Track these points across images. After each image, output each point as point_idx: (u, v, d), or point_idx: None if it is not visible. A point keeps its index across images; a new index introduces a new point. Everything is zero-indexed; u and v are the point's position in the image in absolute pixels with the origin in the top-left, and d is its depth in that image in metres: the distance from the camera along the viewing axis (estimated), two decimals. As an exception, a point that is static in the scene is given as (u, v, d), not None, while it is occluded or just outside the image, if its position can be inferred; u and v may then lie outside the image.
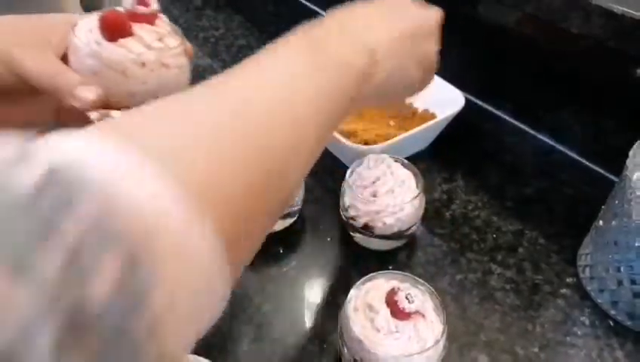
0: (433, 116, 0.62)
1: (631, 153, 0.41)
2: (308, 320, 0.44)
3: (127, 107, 0.34)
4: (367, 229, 0.47)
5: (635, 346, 0.42)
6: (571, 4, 0.48)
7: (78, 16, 0.36)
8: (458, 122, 0.59)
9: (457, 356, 0.41)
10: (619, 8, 0.45)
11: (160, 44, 0.34)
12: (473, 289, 0.46)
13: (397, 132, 0.57)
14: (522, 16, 0.59)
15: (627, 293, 0.42)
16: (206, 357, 0.38)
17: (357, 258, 0.49)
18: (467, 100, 0.59)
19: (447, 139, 0.61)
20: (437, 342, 0.35)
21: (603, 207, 0.45)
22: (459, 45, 0.69)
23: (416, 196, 0.45)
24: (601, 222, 0.44)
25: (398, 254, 0.49)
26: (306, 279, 0.47)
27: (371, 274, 0.39)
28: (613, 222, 0.42)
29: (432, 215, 0.53)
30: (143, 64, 0.33)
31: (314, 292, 0.46)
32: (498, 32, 0.63)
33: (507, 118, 0.67)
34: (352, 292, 0.38)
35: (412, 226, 0.47)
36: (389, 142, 0.53)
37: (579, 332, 0.43)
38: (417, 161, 0.52)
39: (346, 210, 0.48)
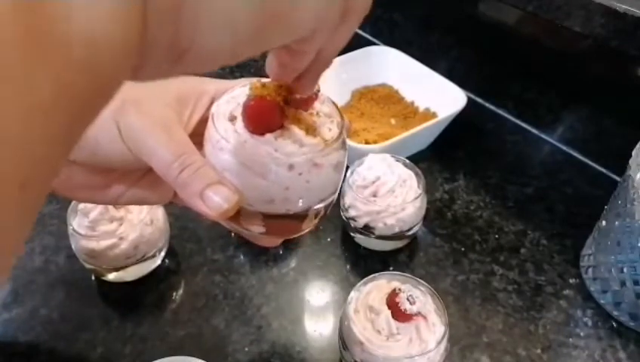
0: (434, 115, 0.62)
1: (634, 153, 0.41)
2: (308, 322, 0.44)
3: (261, 213, 0.27)
4: (367, 230, 0.46)
5: (637, 347, 0.42)
6: (573, 3, 0.47)
7: (216, 84, 0.30)
8: (459, 121, 0.58)
9: (459, 358, 0.41)
10: (621, 7, 0.44)
11: (314, 139, 0.25)
12: (475, 291, 0.46)
13: (398, 131, 0.57)
14: (524, 15, 0.58)
15: (630, 294, 0.42)
16: (205, 359, 0.38)
17: (357, 259, 0.49)
18: (469, 99, 0.58)
19: (449, 138, 0.60)
20: (438, 343, 0.34)
21: (606, 207, 0.44)
22: (460, 44, 0.69)
23: (418, 196, 0.45)
24: (603, 223, 0.44)
25: (399, 255, 0.49)
26: (306, 280, 0.47)
27: (372, 276, 0.38)
28: (616, 223, 0.41)
29: (433, 215, 0.53)
30: (291, 167, 0.25)
31: (314, 293, 0.46)
32: (500, 31, 0.63)
33: (509, 117, 0.66)
34: (353, 293, 0.37)
35: (413, 227, 0.47)
36: (390, 141, 0.53)
37: (581, 334, 0.43)
38: (418, 160, 0.52)
39: (347, 211, 0.47)
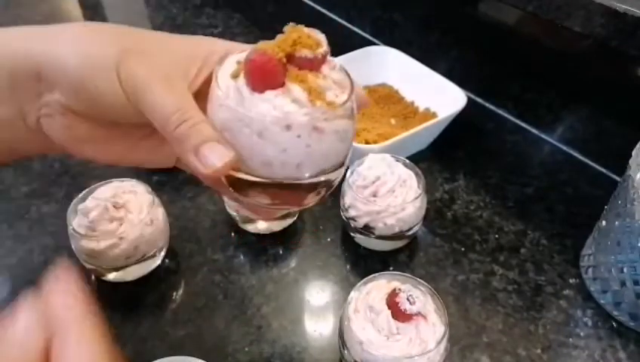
0: (434, 115, 0.62)
1: (634, 152, 0.41)
2: (308, 322, 0.44)
3: (260, 176, 0.25)
4: (367, 230, 0.46)
5: (637, 347, 0.42)
6: (573, 3, 0.47)
7: (227, 45, 0.29)
8: (459, 121, 0.58)
9: (459, 358, 0.41)
10: (621, 6, 0.44)
11: (318, 101, 0.24)
12: (475, 291, 0.46)
13: (398, 131, 0.57)
14: (524, 15, 0.58)
15: (630, 294, 0.42)
16: (205, 359, 0.38)
17: (357, 259, 0.49)
18: (468, 99, 0.58)
19: (449, 138, 0.60)
20: (438, 343, 0.34)
21: (606, 207, 0.44)
22: (460, 44, 0.69)
23: (418, 196, 0.45)
24: (603, 223, 0.44)
25: (399, 255, 0.49)
26: (306, 280, 0.47)
27: (372, 275, 0.38)
28: (616, 223, 0.41)
29: (433, 215, 0.53)
30: (289, 127, 0.24)
31: (314, 293, 0.46)
32: (500, 31, 0.63)
33: (509, 117, 0.66)
34: (353, 293, 0.37)
35: (414, 227, 0.47)
36: (390, 141, 0.53)
37: (581, 334, 0.43)
38: (418, 160, 0.52)
39: (347, 210, 0.47)
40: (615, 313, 0.44)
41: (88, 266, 0.45)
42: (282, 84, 0.24)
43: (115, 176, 0.48)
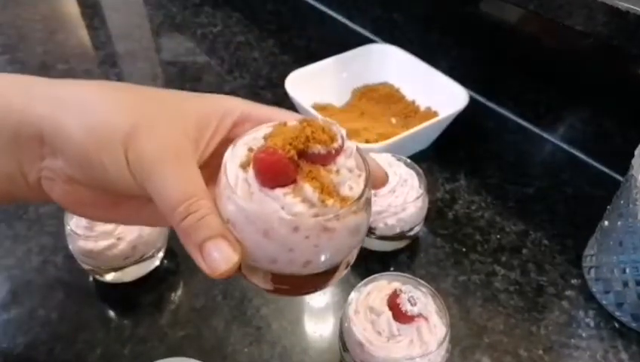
0: (435, 114, 0.61)
1: (636, 152, 0.41)
2: (308, 323, 0.43)
3: (268, 272, 0.25)
4: (368, 230, 0.46)
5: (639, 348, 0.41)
6: (575, 2, 0.47)
7: (242, 106, 0.27)
8: (460, 121, 0.58)
9: (460, 359, 0.41)
10: (623, 5, 0.44)
11: (330, 199, 0.22)
12: (477, 291, 0.46)
13: (399, 130, 0.57)
14: (525, 13, 0.58)
15: (632, 295, 0.41)
16: (204, 360, 0.37)
17: (358, 259, 0.48)
18: (470, 98, 0.58)
19: (450, 137, 0.60)
20: (440, 345, 0.34)
21: (608, 207, 0.44)
22: (461, 43, 0.68)
23: (419, 196, 0.45)
24: (606, 223, 0.44)
25: (399, 255, 0.49)
26: (307, 280, 0.47)
27: (373, 276, 0.38)
28: (619, 223, 0.41)
29: (434, 215, 0.52)
30: (296, 228, 0.22)
31: (314, 294, 0.45)
32: (501, 30, 0.62)
33: (510, 116, 0.66)
34: (353, 294, 0.37)
35: (414, 227, 0.47)
36: (391, 140, 0.53)
37: (583, 334, 0.42)
38: (419, 160, 0.51)
39: (347, 211, 0.47)
40: (617, 314, 0.43)
41: (86, 267, 0.44)
42: (293, 181, 0.22)
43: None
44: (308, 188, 0.22)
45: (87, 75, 0.76)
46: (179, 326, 0.43)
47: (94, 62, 0.80)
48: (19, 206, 0.54)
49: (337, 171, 0.23)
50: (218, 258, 0.23)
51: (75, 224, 0.43)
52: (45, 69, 0.76)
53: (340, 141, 0.23)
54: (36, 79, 0.27)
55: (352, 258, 0.27)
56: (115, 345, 0.41)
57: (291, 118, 0.25)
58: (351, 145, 0.24)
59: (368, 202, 0.24)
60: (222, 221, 0.23)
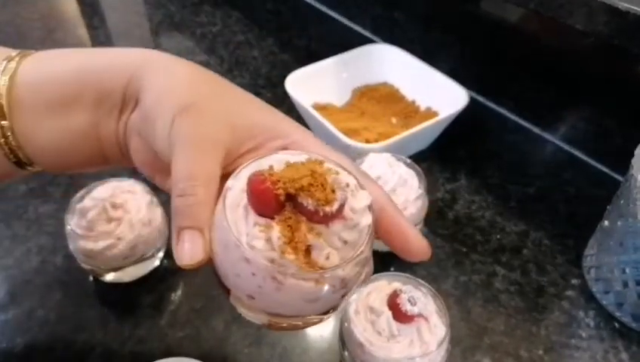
0: (436, 114, 0.61)
1: (637, 152, 0.41)
2: (308, 323, 0.43)
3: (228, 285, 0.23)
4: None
5: (640, 348, 0.41)
6: (575, 1, 0.47)
7: (297, 134, 0.27)
8: (460, 120, 0.58)
9: (461, 359, 0.40)
10: (624, 5, 0.44)
11: (290, 255, 0.21)
12: (477, 292, 0.45)
13: (399, 130, 0.56)
14: (526, 13, 0.58)
15: (633, 295, 0.41)
16: (204, 360, 0.37)
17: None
18: (470, 98, 0.58)
19: (450, 137, 0.60)
20: (440, 345, 0.34)
21: (608, 207, 0.44)
22: (462, 43, 0.68)
23: (419, 196, 0.45)
24: (606, 223, 0.44)
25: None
26: (307, 280, 0.46)
27: (373, 276, 0.38)
28: (619, 223, 0.41)
29: (434, 215, 0.52)
30: (247, 260, 0.21)
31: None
32: (501, 30, 0.62)
33: (511, 116, 0.66)
34: (353, 294, 0.37)
35: (415, 227, 0.46)
36: (391, 140, 0.53)
37: (584, 335, 0.42)
38: (419, 159, 0.51)
39: (347, 210, 0.47)
40: (617, 314, 0.43)
41: (86, 266, 0.44)
42: (272, 218, 0.21)
43: (112, 176, 0.47)
44: (275, 231, 0.21)
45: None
46: (178, 327, 0.43)
47: (94, 61, 0.80)
48: (18, 205, 0.54)
49: (323, 234, 0.21)
50: (186, 249, 0.23)
51: (75, 224, 0.43)
52: (44, 68, 0.76)
53: (334, 206, 0.21)
54: (147, 54, 0.30)
55: (311, 321, 0.25)
56: (115, 345, 0.41)
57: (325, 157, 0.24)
58: (363, 219, 0.22)
59: (343, 281, 0.22)
60: (209, 214, 0.23)
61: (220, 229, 0.22)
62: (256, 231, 0.21)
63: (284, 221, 0.21)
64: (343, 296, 0.24)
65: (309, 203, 0.21)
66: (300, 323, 0.25)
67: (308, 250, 0.21)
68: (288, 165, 0.22)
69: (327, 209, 0.21)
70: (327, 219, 0.21)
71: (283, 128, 0.27)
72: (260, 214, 0.22)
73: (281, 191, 0.21)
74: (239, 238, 0.21)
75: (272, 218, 0.21)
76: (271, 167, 0.22)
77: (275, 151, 0.26)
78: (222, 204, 0.22)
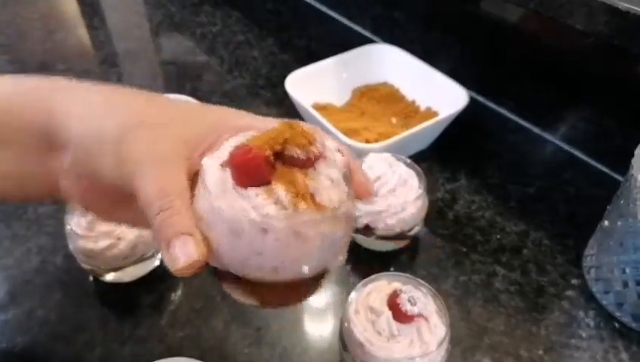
0: (436, 114, 0.61)
1: (636, 152, 0.41)
2: (308, 323, 0.43)
3: (235, 272, 0.24)
4: (368, 230, 0.46)
5: (640, 348, 0.41)
6: (575, 1, 0.47)
7: (251, 122, 0.27)
8: (460, 120, 0.58)
9: (461, 359, 0.41)
10: (624, 5, 0.44)
11: (303, 203, 0.22)
12: (477, 292, 0.45)
13: (399, 130, 0.56)
14: (526, 13, 0.58)
15: (633, 295, 0.41)
16: (204, 360, 0.37)
17: (358, 259, 0.49)
18: (470, 98, 0.58)
19: (450, 137, 0.60)
20: (440, 345, 0.34)
21: (608, 207, 0.44)
22: (461, 43, 0.68)
23: (419, 196, 0.45)
24: (606, 223, 0.44)
25: (400, 255, 0.49)
26: (307, 280, 0.46)
27: (373, 276, 0.38)
28: (619, 223, 0.41)
29: (434, 215, 0.52)
30: (265, 230, 0.22)
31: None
32: (501, 30, 0.62)
33: (510, 116, 0.66)
34: (353, 294, 0.37)
35: (415, 227, 0.47)
36: (391, 140, 0.53)
37: (584, 335, 0.42)
38: (419, 159, 0.51)
39: (347, 210, 0.47)
40: (617, 314, 0.43)
41: (86, 267, 0.44)
42: (268, 183, 0.22)
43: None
44: (281, 190, 0.21)
45: (87, 74, 0.76)
46: (178, 327, 0.43)
47: (94, 61, 0.80)
48: (17, 206, 0.54)
49: (315, 177, 0.22)
50: (179, 253, 0.23)
51: (75, 224, 0.43)
52: (45, 69, 0.76)
53: (319, 146, 0.23)
54: (60, 83, 0.29)
55: (326, 274, 0.26)
56: (115, 345, 0.41)
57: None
58: (337, 156, 0.24)
59: (349, 217, 0.24)
60: (193, 221, 0.23)
61: (222, 220, 0.22)
62: (261, 200, 0.21)
63: (280, 178, 0.22)
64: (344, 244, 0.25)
65: (297, 152, 0.22)
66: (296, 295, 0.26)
67: (312, 197, 0.22)
68: (255, 137, 0.23)
69: (314, 149, 0.22)
70: (316, 160, 0.23)
71: (228, 119, 0.28)
72: (255, 184, 0.22)
73: (268, 152, 0.22)
74: (248, 215, 0.21)
75: (269, 182, 0.22)
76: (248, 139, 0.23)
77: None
78: (209, 199, 0.23)
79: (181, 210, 0.24)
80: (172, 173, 0.25)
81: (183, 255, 0.23)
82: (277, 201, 0.21)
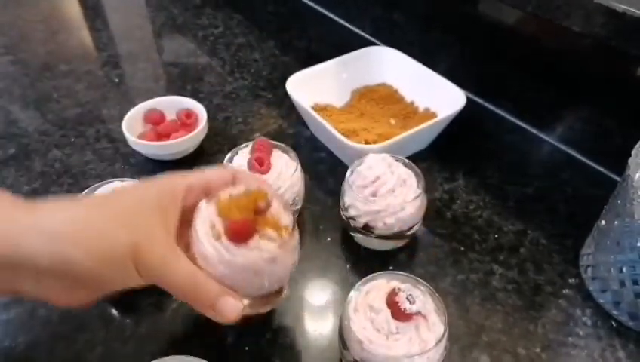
0: (434, 115, 0.62)
1: (633, 152, 0.41)
2: (308, 321, 0.44)
3: (249, 296, 0.36)
4: (367, 229, 0.46)
5: (637, 347, 0.42)
6: (572, 3, 0.47)
7: (193, 177, 0.35)
8: (459, 121, 0.58)
9: (459, 357, 0.41)
10: (620, 6, 0.44)
11: (283, 233, 0.34)
12: (475, 290, 0.46)
13: (398, 131, 0.57)
14: (523, 15, 0.59)
15: (629, 294, 0.42)
16: (205, 358, 0.38)
17: (357, 258, 0.49)
18: (468, 99, 0.58)
19: (448, 138, 0.60)
20: (438, 343, 0.34)
21: (605, 206, 0.44)
22: (460, 44, 0.69)
23: (418, 196, 0.45)
24: (603, 222, 0.44)
25: (398, 254, 0.49)
26: (306, 280, 0.47)
27: (372, 275, 0.38)
28: (616, 222, 0.41)
29: (433, 215, 0.53)
30: (275, 259, 0.33)
31: (314, 292, 0.46)
32: (499, 31, 0.63)
33: (508, 116, 0.66)
34: (353, 292, 0.37)
35: (413, 226, 0.47)
36: (390, 141, 0.53)
37: (581, 333, 0.43)
38: (418, 160, 0.52)
39: (347, 210, 0.47)
40: (614, 312, 0.44)
41: (88, 266, 0.45)
42: (256, 232, 0.33)
43: (115, 176, 0.48)
44: (270, 232, 0.34)
45: (90, 75, 0.76)
46: (180, 325, 0.43)
47: (97, 63, 0.80)
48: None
49: (273, 214, 0.34)
50: (229, 309, 0.32)
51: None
52: (48, 70, 0.77)
53: (270, 192, 0.35)
54: (18, 206, 0.31)
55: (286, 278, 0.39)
56: (116, 344, 0.42)
57: (219, 183, 0.36)
58: (270, 194, 0.35)
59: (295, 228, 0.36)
60: (217, 285, 0.32)
61: (243, 270, 0.33)
62: (264, 244, 0.33)
63: (261, 225, 0.34)
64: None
65: (262, 204, 0.34)
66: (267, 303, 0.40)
67: (284, 227, 0.34)
68: (222, 209, 0.33)
69: (269, 196, 0.35)
70: (270, 204, 0.35)
71: (177, 187, 0.35)
72: (250, 237, 0.33)
73: (250, 214, 0.33)
74: (262, 256, 0.33)
75: (256, 230, 0.33)
76: (221, 215, 0.33)
77: (184, 204, 0.35)
78: (226, 261, 0.33)
79: (206, 279, 0.32)
80: (183, 258, 0.32)
81: (233, 310, 0.32)
82: (270, 239, 0.33)
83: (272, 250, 0.33)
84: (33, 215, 0.30)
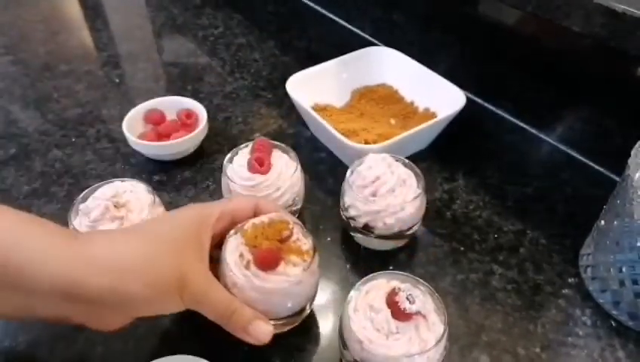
0: (434, 115, 0.62)
1: (633, 152, 0.41)
2: (308, 321, 0.44)
3: (281, 318, 0.39)
4: (367, 229, 0.46)
5: (636, 346, 0.42)
6: (572, 3, 0.47)
7: (219, 207, 0.38)
8: (459, 121, 0.58)
9: (458, 357, 0.41)
10: (620, 7, 0.44)
11: (306, 258, 0.37)
12: (474, 290, 0.46)
13: (398, 131, 0.57)
14: (523, 15, 0.59)
15: (629, 294, 0.42)
16: (205, 358, 0.38)
17: (357, 258, 0.49)
18: (468, 99, 0.58)
19: (448, 138, 0.60)
20: (438, 342, 0.34)
21: (605, 206, 0.44)
22: (459, 44, 0.69)
23: (417, 196, 0.45)
24: (602, 222, 0.44)
25: (398, 254, 0.49)
26: (306, 279, 0.47)
27: (372, 275, 0.38)
28: (615, 222, 0.41)
29: (432, 215, 0.53)
30: (300, 282, 0.37)
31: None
32: (499, 31, 0.63)
33: (508, 117, 0.66)
34: (353, 292, 0.38)
35: (413, 226, 0.47)
36: (390, 141, 0.53)
37: (580, 333, 0.43)
38: (418, 160, 0.52)
39: (346, 210, 0.47)
40: (614, 312, 0.44)
41: (89, 266, 0.45)
42: (282, 259, 0.37)
43: (115, 176, 0.48)
44: (295, 258, 0.37)
45: (90, 76, 0.76)
46: (180, 324, 0.43)
47: (97, 63, 0.80)
48: (21, 206, 0.54)
49: (295, 241, 0.38)
50: (262, 332, 0.35)
51: (78, 223, 0.43)
52: (48, 70, 0.77)
53: (291, 221, 0.39)
54: (73, 239, 0.34)
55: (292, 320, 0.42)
56: (116, 343, 0.42)
57: (244, 211, 0.40)
58: (291, 219, 0.39)
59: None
60: (251, 310, 0.36)
61: (273, 294, 0.37)
62: (291, 270, 0.37)
63: (287, 253, 0.37)
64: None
65: (286, 233, 0.38)
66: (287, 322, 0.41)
67: (305, 251, 0.38)
68: (249, 238, 0.37)
69: (291, 225, 0.39)
70: (293, 232, 0.39)
71: (209, 216, 0.38)
72: (277, 265, 0.37)
73: (277, 244, 0.37)
74: (290, 281, 0.36)
75: (282, 258, 0.37)
76: (248, 244, 0.37)
77: (214, 231, 0.38)
78: (257, 288, 0.36)
79: (240, 305, 0.35)
80: (218, 286, 0.36)
81: (264, 333, 0.35)
82: (295, 265, 0.37)
83: (297, 275, 0.36)
84: (91, 249, 0.33)
